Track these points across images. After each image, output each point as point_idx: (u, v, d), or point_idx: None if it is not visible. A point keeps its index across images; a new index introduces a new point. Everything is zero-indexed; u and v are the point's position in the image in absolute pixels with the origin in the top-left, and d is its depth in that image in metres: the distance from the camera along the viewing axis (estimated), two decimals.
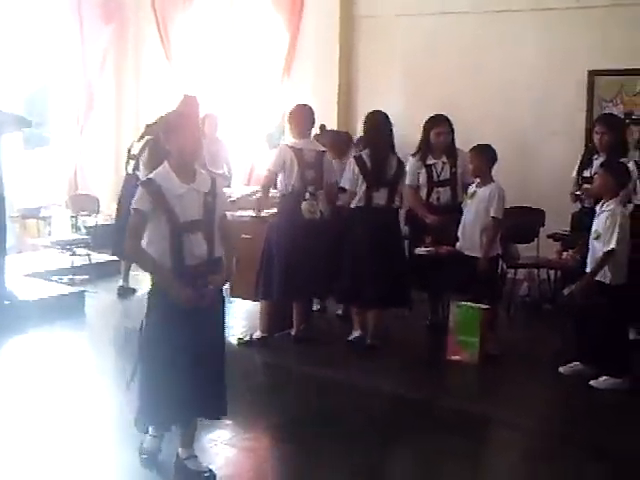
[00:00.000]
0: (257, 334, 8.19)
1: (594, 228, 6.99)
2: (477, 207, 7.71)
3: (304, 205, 7.84)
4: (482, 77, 10.30)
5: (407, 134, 9.33)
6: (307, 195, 7.87)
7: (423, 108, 9.41)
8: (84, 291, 9.65)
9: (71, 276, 10.52)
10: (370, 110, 8.28)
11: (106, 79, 13.37)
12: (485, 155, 7.72)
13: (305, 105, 8.30)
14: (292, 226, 7.88)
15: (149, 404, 5.15)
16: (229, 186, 10.47)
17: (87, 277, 10.57)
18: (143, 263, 5.09)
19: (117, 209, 10.10)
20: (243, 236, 8.11)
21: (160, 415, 5.18)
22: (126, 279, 9.99)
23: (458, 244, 7.83)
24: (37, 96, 13.85)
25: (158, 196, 4.89)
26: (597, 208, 7.08)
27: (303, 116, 8.15)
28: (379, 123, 8.08)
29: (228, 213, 8.34)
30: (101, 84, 13.25)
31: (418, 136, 8.58)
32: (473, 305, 7.60)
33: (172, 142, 4.99)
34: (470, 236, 7.74)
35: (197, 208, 5.01)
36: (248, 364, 7.65)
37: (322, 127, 9.85)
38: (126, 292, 9.98)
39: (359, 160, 7.97)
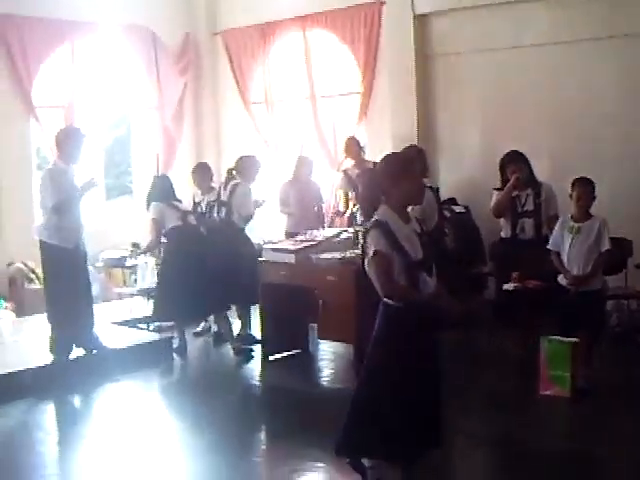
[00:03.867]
0: None
1: None
2: (585, 241, 7.53)
3: (447, 240, 8.08)
4: (558, 109, 10.14)
5: (487, 167, 9.34)
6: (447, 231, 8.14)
7: (502, 141, 9.44)
8: (172, 337, 9.72)
9: (158, 323, 10.61)
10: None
11: (185, 128, 13.52)
12: (593, 189, 7.59)
13: (413, 146, 8.80)
14: None
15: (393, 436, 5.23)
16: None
17: (174, 323, 10.61)
18: (408, 296, 5.18)
19: None
20: (328, 278, 8.12)
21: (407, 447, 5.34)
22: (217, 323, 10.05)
23: (559, 278, 7.70)
24: (118, 146, 14.12)
25: (390, 235, 5.06)
26: None
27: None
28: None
29: (313, 256, 8.47)
30: (180, 132, 13.40)
31: (497, 169, 8.65)
32: (563, 339, 7.48)
33: (399, 185, 5.15)
34: (579, 271, 7.57)
35: (418, 247, 5.19)
36: None
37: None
38: (217, 337, 10.00)
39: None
